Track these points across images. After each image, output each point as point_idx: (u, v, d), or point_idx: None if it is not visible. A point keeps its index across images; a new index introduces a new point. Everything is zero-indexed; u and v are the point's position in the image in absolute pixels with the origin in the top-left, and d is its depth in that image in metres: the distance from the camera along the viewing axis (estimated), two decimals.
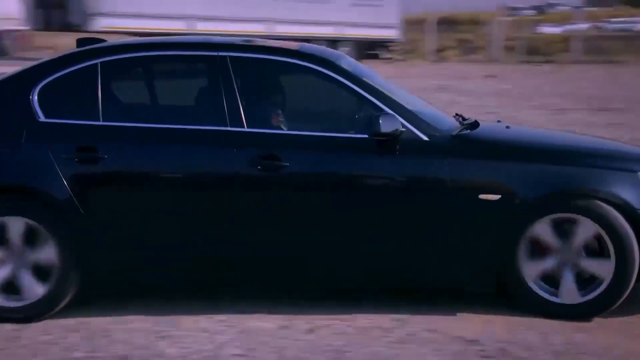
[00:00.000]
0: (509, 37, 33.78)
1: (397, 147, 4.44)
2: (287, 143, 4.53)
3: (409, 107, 4.66)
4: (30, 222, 4.42)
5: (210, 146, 4.50)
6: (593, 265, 4.41)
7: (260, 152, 4.45)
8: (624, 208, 4.33)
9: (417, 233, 4.47)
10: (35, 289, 4.46)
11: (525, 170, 4.44)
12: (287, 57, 4.77)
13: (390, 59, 28.34)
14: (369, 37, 28.03)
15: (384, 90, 4.69)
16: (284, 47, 4.94)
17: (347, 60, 4.97)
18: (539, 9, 57.37)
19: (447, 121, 4.92)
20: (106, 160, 4.47)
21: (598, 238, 4.37)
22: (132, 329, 4.37)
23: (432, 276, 4.57)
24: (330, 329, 4.35)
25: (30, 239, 4.45)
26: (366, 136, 4.46)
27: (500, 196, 4.37)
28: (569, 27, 34.97)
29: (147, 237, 4.53)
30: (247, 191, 4.48)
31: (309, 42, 5.95)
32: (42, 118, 4.57)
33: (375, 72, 5.16)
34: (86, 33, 23.23)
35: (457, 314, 4.53)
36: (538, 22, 43.54)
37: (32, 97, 4.61)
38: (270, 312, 4.56)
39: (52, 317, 4.49)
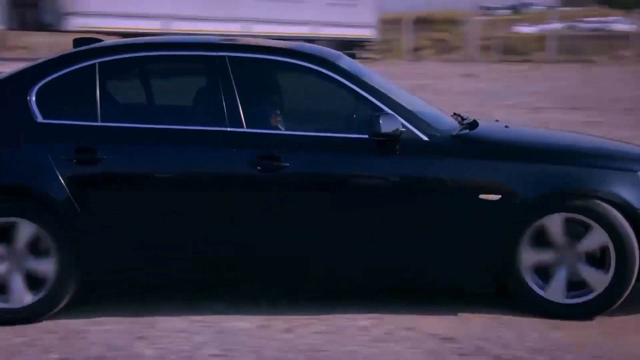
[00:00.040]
0: (485, 36, 33.99)
1: (397, 147, 4.43)
2: (286, 143, 4.51)
3: (409, 107, 4.65)
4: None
5: (209, 147, 4.49)
6: (590, 273, 4.40)
7: (260, 153, 4.43)
8: (624, 208, 4.33)
9: (417, 233, 4.47)
10: (28, 293, 4.42)
11: (526, 170, 4.43)
12: (286, 57, 4.76)
13: (368, 58, 28.40)
14: (345, 36, 28.09)
15: (383, 90, 4.68)
16: (283, 47, 4.93)
17: (346, 60, 4.95)
18: (515, 9, 57.75)
19: (447, 121, 4.91)
20: (105, 161, 4.44)
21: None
22: (109, 330, 4.35)
23: (432, 276, 4.56)
24: (309, 328, 4.35)
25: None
26: (366, 136, 4.45)
27: (500, 196, 4.36)
28: (544, 26, 35.24)
29: (146, 238, 4.51)
30: (246, 192, 4.46)
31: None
32: (40, 119, 4.54)
33: (375, 72, 5.14)
34: (60, 33, 23.09)
35: (435, 312, 4.55)
36: (513, 22, 43.86)
37: (30, 97, 4.57)
38: (248, 312, 4.56)
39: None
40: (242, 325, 4.39)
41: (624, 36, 32.98)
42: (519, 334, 4.24)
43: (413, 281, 4.63)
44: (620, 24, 38.25)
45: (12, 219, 4.40)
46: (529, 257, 4.42)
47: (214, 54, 4.67)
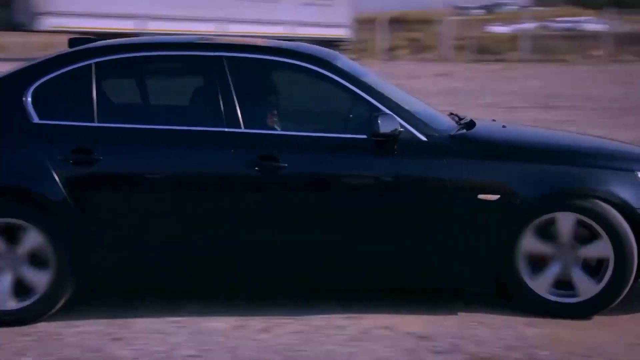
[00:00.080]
0: (459, 36, 34.15)
1: (396, 147, 4.42)
2: (284, 144, 4.50)
3: (407, 107, 4.64)
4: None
5: (207, 147, 4.47)
6: (581, 279, 4.41)
7: (258, 153, 4.41)
8: (623, 207, 4.35)
9: (416, 233, 4.46)
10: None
11: (525, 170, 4.43)
12: (284, 57, 4.74)
13: None
14: (320, 36, 28.07)
15: (381, 90, 4.67)
16: (281, 47, 4.91)
17: (343, 59, 4.94)
18: (488, 9, 58.09)
19: (444, 121, 4.91)
20: (102, 161, 4.41)
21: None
22: (84, 331, 4.32)
23: (431, 276, 4.56)
24: (285, 328, 4.35)
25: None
26: (364, 136, 4.44)
27: (499, 196, 4.37)
28: (517, 26, 35.48)
29: (144, 239, 4.48)
30: (244, 192, 4.44)
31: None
32: (36, 119, 4.50)
33: (372, 72, 5.12)
34: (33, 33, 22.87)
35: (411, 311, 4.56)
36: (487, 22, 44.12)
37: (26, 98, 4.53)
38: (224, 313, 4.55)
39: None
40: (218, 326, 4.38)
41: (595, 36, 33.29)
42: (493, 331, 4.27)
43: (413, 281, 4.61)
44: (591, 23, 38.61)
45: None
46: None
47: (211, 54, 4.65)
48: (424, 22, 39.30)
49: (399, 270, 4.56)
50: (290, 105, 5.03)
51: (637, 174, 4.47)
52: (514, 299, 4.54)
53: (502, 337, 4.20)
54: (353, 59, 5.50)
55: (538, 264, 4.45)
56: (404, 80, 20.69)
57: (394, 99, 4.65)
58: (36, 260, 4.40)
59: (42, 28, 22.09)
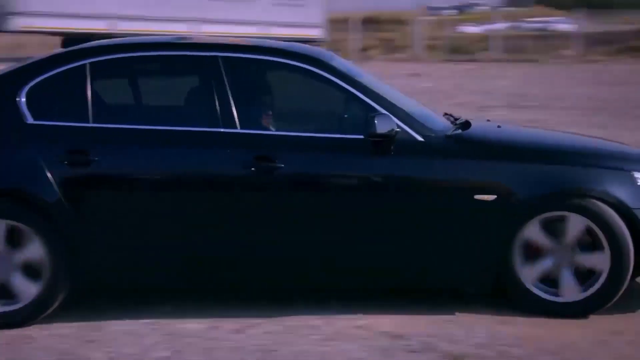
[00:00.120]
0: (432, 36, 34.32)
1: (392, 147, 4.41)
2: (281, 144, 4.49)
3: (403, 107, 4.64)
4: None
5: (203, 148, 4.45)
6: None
7: (254, 154, 4.40)
8: (618, 207, 4.36)
9: (412, 234, 4.45)
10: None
11: (521, 170, 4.44)
12: (280, 57, 4.73)
13: None
14: (293, 36, 28.03)
15: (377, 90, 4.67)
16: (277, 47, 4.89)
17: (339, 60, 4.94)
18: (460, 9, 58.43)
19: (440, 121, 4.91)
20: (98, 162, 4.39)
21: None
22: (56, 334, 4.28)
23: (429, 276, 4.56)
24: (259, 328, 4.35)
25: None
26: (361, 136, 4.43)
27: (495, 196, 4.37)
28: (488, 26, 35.74)
29: (140, 240, 4.46)
30: (240, 193, 4.43)
31: None
32: (30, 120, 4.46)
33: (367, 72, 5.11)
34: (3, 33, 22.59)
35: (385, 310, 4.58)
36: (459, 22, 44.39)
37: (20, 99, 4.50)
38: (198, 314, 4.53)
39: None
40: (192, 327, 4.37)
41: (565, 36, 33.62)
42: (467, 330, 4.30)
43: (412, 281, 4.61)
44: (561, 23, 39.00)
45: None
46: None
47: (207, 54, 4.64)
48: (397, 22, 39.46)
49: (397, 271, 4.56)
50: (286, 106, 5.03)
51: (632, 174, 4.49)
52: (512, 299, 4.54)
53: (475, 335, 4.23)
54: None
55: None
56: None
57: (389, 99, 4.65)
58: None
59: (11, 28, 21.84)
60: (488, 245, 4.42)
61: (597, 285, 4.42)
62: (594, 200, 4.37)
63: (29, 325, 4.36)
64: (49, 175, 4.34)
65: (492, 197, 4.38)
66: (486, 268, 4.47)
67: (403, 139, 4.44)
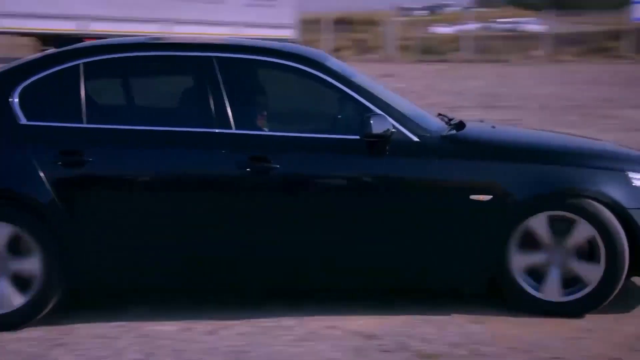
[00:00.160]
0: (404, 37, 34.48)
1: (387, 148, 4.40)
2: (276, 145, 4.46)
3: (398, 107, 4.63)
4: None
5: (198, 148, 4.42)
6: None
7: (249, 154, 4.38)
8: (613, 207, 4.38)
9: (409, 234, 4.44)
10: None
11: (517, 171, 4.44)
12: (275, 57, 4.70)
13: None
14: (265, 37, 28.03)
15: (372, 91, 4.66)
16: (272, 47, 4.87)
17: (333, 60, 4.92)
18: (431, 10, 58.73)
19: (434, 121, 4.90)
20: (91, 163, 4.35)
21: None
22: (24, 337, 4.23)
23: (427, 277, 4.55)
24: (232, 330, 4.33)
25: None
26: (356, 137, 4.41)
27: (491, 197, 4.37)
28: (459, 27, 35.98)
29: (134, 241, 4.42)
30: (235, 193, 4.40)
31: None
32: (23, 121, 4.42)
33: (361, 73, 5.10)
34: None
35: (357, 311, 4.58)
36: (430, 23, 44.63)
37: (13, 99, 4.45)
38: (170, 316, 4.51)
39: None
40: (164, 329, 4.34)
41: (535, 36, 33.94)
42: (440, 329, 4.32)
43: (409, 282, 4.60)
44: (531, 24, 39.37)
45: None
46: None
47: (201, 54, 4.61)
48: (369, 23, 39.60)
49: (395, 271, 4.54)
50: (281, 106, 5.01)
51: (627, 174, 4.51)
52: (508, 299, 4.55)
53: (447, 334, 4.25)
54: None
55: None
56: None
57: (384, 99, 4.64)
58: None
59: None
60: (484, 246, 4.42)
61: (583, 292, 4.44)
62: (589, 200, 4.39)
63: (19, 329, 4.32)
64: (42, 176, 4.31)
65: (487, 197, 4.38)
66: (482, 268, 4.47)
67: (398, 139, 4.44)
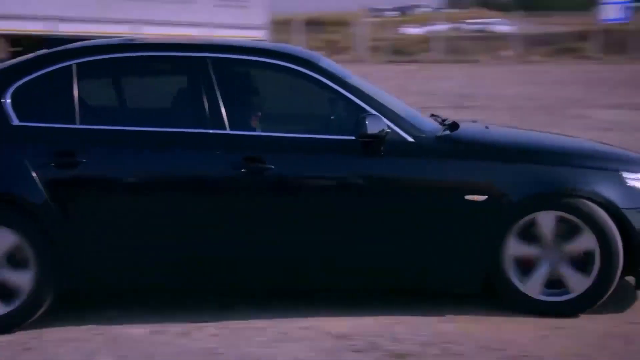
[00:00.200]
0: (374, 37, 34.59)
1: (382, 148, 4.39)
2: (270, 145, 4.45)
3: (392, 108, 4.63)
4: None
5: (192, 149, 4.40)
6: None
7: (243, 155, 4.36)
8: (607, 207, 4.39)
9: (404, 235, 4.43)
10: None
11: (511, 171, 4.44)
12: (269, 58, 4.68)
13: None
14: (235, 38, 27.97)
15: (366, 91, 4.65)
16: (266, 47, 4.86)
17: (326, 61, 4.91)
18: (402, 11, 58.97)
19: (428, 122, 4.90)
20: (85, 164, 4.31)
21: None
22: None
23: (423, 277, 4.54)
24: (204, 331, 4.32)
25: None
26: (351, 137, 4.40)
27: (486, 197, 4.37)
28: (429, 28, 36.18)
29: (127, 242, 4.38)
30: (229, 194, 4.38)
31: None
32: (16, 122, 4.37)
33: (353, 73, 5.08)
34: None
35: (329, 312, 4.59)
36: (401, 23, 44.83)
37: (5, 100, 4.40)
38: (142, 319, 4.48)
39: None
40: (136, 332, 4.31)
41: (504, 37, 34.23)
42: (411, 329, 4.34)
43: (407, 282, 4.60)
44: (500, 25, 39.68)
45: None
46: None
47: (195, 54, 4.59)
48: (340, 24, 39.65)
49: (394, 271, 4.54)
50: (275, 107, 5.01)
51: (621, 174, 4.53)
52: (503, 300, 4.56)
53: (419, 334, 4.27)
54: None
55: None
56: None
57: (379, 99, 4.64)
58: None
59: None
60: (480, 246, 4.43)
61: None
62: (584, 200, 4.41)
63: (10, 332, 4.28)
64: (35, 177, 4.27)
65: (482, 198, 4.39)
66: (478, 268, 4.48)
67: (393, 139, 4.44)
